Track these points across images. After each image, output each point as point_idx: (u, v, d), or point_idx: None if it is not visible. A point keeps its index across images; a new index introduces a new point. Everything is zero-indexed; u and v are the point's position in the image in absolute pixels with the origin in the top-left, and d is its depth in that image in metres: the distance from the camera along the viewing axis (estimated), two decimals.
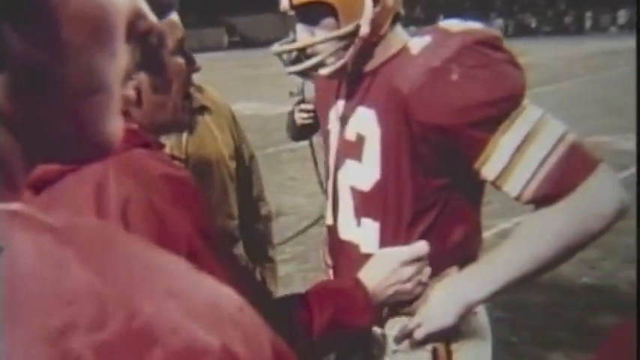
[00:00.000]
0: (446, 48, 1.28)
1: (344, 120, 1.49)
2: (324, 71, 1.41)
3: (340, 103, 1.52)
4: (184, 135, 1.93)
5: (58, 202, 1.11)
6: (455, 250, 1.40)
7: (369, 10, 1.33)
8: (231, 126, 2.11)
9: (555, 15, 28.35)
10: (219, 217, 1.96)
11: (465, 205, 1.41)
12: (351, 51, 1.37)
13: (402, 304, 1.37)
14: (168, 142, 1.89)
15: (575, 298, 4.08)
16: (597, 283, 4.25)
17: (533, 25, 28.19)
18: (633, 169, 5.60)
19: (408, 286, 1.33)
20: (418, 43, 1.35)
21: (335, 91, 1.56)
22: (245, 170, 2.16)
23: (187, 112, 1.28)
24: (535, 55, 18.88)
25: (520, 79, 1.31)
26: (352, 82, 1.47)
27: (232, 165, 2.05)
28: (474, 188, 1.38)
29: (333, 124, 1.55)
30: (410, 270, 1.33)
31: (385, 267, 1.32)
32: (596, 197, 1.24)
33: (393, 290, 1.32)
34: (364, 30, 1.34)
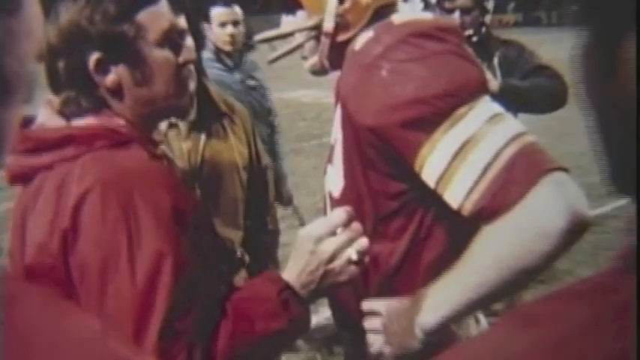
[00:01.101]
0: (379, 43, 1.18)
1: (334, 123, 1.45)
2: (305, 65, 1.41)
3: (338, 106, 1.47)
4: (202, 139, 1.92)
5: (34, 196, 1.13)
6: (426, 268, 1.27)
7: (332, 5, 1.30)
8: (249, 136, 2.09)
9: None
10: (226, 228, 1.94)
11: (436, 217, 1.26)
12: (320, 47, 1.34)
13: (340, 286, 1.19)
14: (185, 144, 1.87)
15: None
16: None
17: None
18: None
19: (336, 265, 1.15)
20: (362, 38, 1.24)
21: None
22: (257, 182, 2.14)
23: (186, 97, 1.25)
24: None
25: (468, 73, 1.16)
26: None
27: (244, 176, 2.03)
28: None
29: None
30: (330, 245, 1.14)
31: (301, 252, 1.16)
32: (539, 212, 1.04)
33: (319, 275, 1.15)
34: (327, 25, 1.31)
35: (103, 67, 1.14)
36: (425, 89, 1.12)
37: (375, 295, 1.30)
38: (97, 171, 1.07)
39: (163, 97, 1.20)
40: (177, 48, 1.21)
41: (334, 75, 1.56)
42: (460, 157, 1.10)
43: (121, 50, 1.14)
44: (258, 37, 1.42)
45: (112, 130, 1.15)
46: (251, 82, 3.31)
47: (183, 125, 1.89)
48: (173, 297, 1.02)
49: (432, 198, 1.19)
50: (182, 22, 1.79)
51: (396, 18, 1.24)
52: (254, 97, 3.21)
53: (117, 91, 1.16)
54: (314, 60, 1.38)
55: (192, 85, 1.79)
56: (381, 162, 1.22)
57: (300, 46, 1.38)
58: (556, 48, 2.55)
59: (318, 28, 1.33)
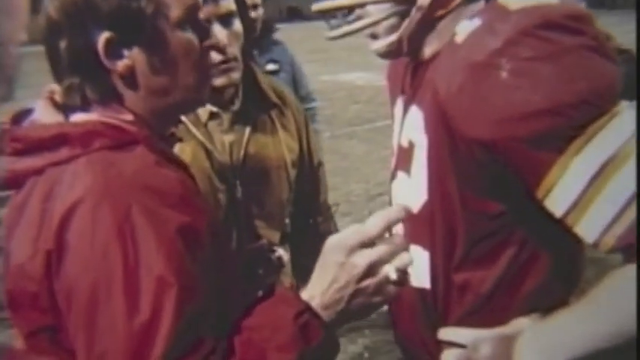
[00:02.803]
0: (495, 35, 0.95)
1: (402, 120, 1.22)
2: (374, 45, 1.16)
3: (400, 99, 1.26)
4: (247, 132, 1.74)
5: (21, 207, 0.97)
6: (525, 298, 1.09)
7: None
8: (301, 130, 1.90)
9: None
10: (270, 230, 1.76)
11: (539, 240, 1.07)
12: (406, 23, 1.10)
13: (373, 309, 0.99)
14: (227, 137, 1.71)
15: None
16: None
17: None
18: None
19: (370, 282, 0.95)
20: (465, 27, 1.02)
21: (399, 82, 1.29)
22: (308, 180, 1.94)
23: (205, 90, 1.08)
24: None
25: (609, 74, 0.95)
26: (412, 72, 1.20)
27: (293, 173, 1.84)
28: (546, 219, 1.00)
29: (395, 123, 1.29)
30: (365, 258, 0.94)
31: (329, 264, 0.96)
32: None
33: (348, 293, 0.95)
34: None
35: (114, 49, 0.96)
36: (557, 96, 0.92)
37: (454, 325, 1.12)
38: (90, 178, 0.90)
39: (182, 89, 1.02)
40: (201, 30, 1.04)
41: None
42: (598, 183, 0.91)
43: (136, 30, 0.97)
44: (316, 6, 1.17)
45: (113, 127, 0.98)
46: (270, 67, 3.17)
47: (225, 116, 1.72)
48: (176, 334, 0.85)
49: (535, 220, 1.01)
50: (230, 3, 1.63)
51: (511, 1, 1.00)
52: None
53: (129, 78, 0.99)
54: (390, 40, 1.14)
55: (236, 75, 1.63)
56: (482, 180, 1.02)
57: (376, 23, 1.13)
58: (620, 31, 2.30)
59: (410, 1, 1.09)
